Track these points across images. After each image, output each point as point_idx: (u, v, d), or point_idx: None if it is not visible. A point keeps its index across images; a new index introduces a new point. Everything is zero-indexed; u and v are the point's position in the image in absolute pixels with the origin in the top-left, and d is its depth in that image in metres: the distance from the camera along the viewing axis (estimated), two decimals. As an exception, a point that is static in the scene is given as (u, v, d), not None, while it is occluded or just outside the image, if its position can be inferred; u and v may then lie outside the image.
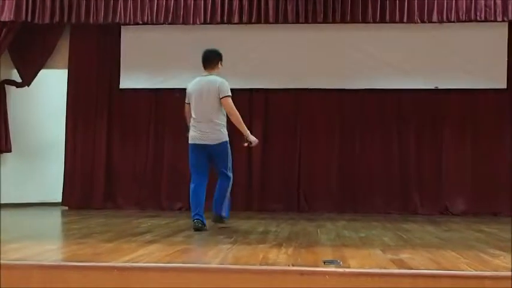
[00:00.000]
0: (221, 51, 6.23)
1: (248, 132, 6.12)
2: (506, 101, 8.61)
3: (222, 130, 6.03)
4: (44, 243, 4.76)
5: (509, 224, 7.02)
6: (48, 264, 3.72)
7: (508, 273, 3.54)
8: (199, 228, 5.85)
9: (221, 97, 5.95)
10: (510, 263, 3.92)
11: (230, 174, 6.18)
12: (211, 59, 6.13)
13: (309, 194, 8.87)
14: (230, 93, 5.99)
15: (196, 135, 6.05)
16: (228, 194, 6.20)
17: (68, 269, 3.65)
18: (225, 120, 6.09)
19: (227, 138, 6.09)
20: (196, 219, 5.92)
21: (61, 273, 3.59)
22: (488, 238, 5.58)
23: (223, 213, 6.20)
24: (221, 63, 6.20)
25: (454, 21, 7.98)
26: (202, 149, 6.06)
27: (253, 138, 6.14)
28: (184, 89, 8.72)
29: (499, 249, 4.65)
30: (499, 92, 8.57)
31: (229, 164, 6.17)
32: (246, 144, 6.20)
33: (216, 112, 6.00)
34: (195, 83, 6.15)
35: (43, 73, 9.09)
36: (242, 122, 6.05)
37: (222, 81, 6.02)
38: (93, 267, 3.66)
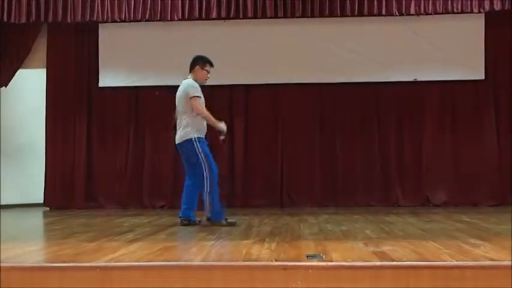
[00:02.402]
0: (209, 59, 6.35)
1: (217, 123, 6.20)
2: (485, 91, 8.69)
3: (187, 129, 6.14)
4: (25, 245, 4.70)
5: (490, 214, 7.10)
6: (28, 266, 3.68)
7: (489, 263, 3.58)
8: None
9: (190, 98, 6.13)
10: (490, 253, 3.96)
11: (205, 173, 6.09)
12: (192, 62, 6.33)
13: (291, 188, 8.89)
14: (196, 94, 6.14)
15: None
16: (206, 192, 6.09)
17: (49, 270, 3.62)
18: (195, 121, 6.15)
19: (192, 136, 6.11)
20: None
21: (42, 275, 3.56)
22: (469, 228, 5.62)
23: (208, 214, 6.13)
24: (199, 67, 6.29)
25: (431, 13, 8.06)
26: (179, 150, 6.31)
27: (222, 126, 6.22)
28: (164, 86, 8.73)
29: (480, 239, 4.69)
30: (477, 83, 8.65)
31: (200, 162, 6.10)
32: (222, 137, 6.28)
33: (186, 112, 6.16)
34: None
35: (21, 73, 9.00)
36: (211, 117, 6.18)
37: (189, 84, 6.20)
38: (74, 268, 3.63)
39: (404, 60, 8.66)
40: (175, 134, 6.32)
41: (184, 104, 6.16)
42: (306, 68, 8.71)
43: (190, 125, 6.14)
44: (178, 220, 6.21)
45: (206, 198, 6.06)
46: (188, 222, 6.13)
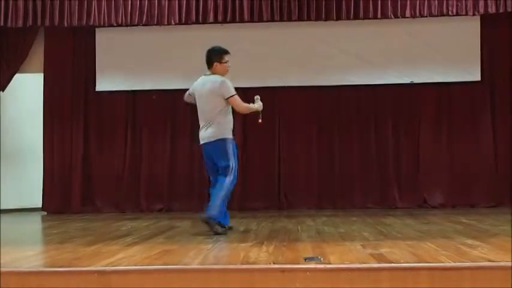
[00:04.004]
0: (222, 48, 6.00)
1: (255, 106, 6.01)
2: (481, 93, 8.71)
3: (221, 128, 5.81)
4: (23, 249, 4.71)
5: (487, 215, 7.11)
6: (27, 271, 3.68)
7: (487, 264, 3.59)
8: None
9: (227, 98, 5.80)
10: (488, 254, 3.97)
11: (230, 175, 5.77)
12: (207, 59, 5.95)
13: (289, 191, 8.89)
14: (234, 93, 5.85)
15: (200, 135, 5.91)
16: (222, 195, 5.68)
17: (47, 275, 3.62)
18: (230, 120, 5.91)
19: (227, 136, 5.81)
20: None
21: (40, 279, 3.56)
22: (467, 229, 5.63)
23: (213, 215, 5.59)
24: (218, 62, 5.90)
25: (426, 16, 8.09)
26: (205, 148, 5.90)
27: (257, 105, 6.04)
28: (160, 90, 8.74)
29: (477, 240, 4.70)
30: (473, 85, 8.66)
31: (230, 164, 5.78)
32: (260, 120, 6.04)
33: (219, 112, 5.82)
34: (199, 82, 5.99)
35: (18, 77, 9.00)
36: (250, 107, 6.00)
37: (222, 81, 5.82)
38: (72, 272, 3.63)
39: (400, 62, 8.68)
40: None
41: (215, 102, 5.80)
42: (302, 70, 8.72)
43: (223, 124, 5.82)
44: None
45: (217, 200, 5.65)
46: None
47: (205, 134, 5.84)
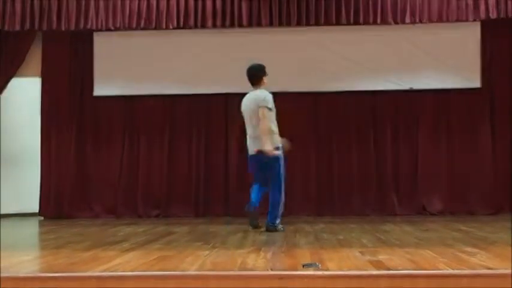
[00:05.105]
0: (259, 65, 6.52)
1: (277, 138, 6.39)
2: (480, 100, 8.70)
3: (275, 137, 6.34)
4: (19, 254, 4.69)
5: (486, 223, 7.10)
6: (23, 276, 3.66)
7: (485, 271, 3.57)
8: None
9: (259, 106, 6.25)
10: (486, 261, 3.95)
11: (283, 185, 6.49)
12: (257, 75, 6.43)
13: (287, 197, 8.83)
14: (268, 105, 6.26)
15: (249, 147, 6.49)
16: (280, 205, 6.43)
17: (44, 280, 3.60)
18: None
19: (280, 145, 6.38)
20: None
21: (37, 285, 3.54)
22: (466, 237, 5.62)
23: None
24: (265, 77, 6.46)
25: (426, 22, 8.10)
26: (255, 160, 6.45)
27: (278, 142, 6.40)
28: (158, 95, 8.72)
29: (476, 248, 4.69)
30: (473, 91, 8.66)
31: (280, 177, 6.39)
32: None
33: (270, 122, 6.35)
34: (245, 98, 6.52)
35: (15, 82, 8.98)
36: (271, 130, 6.32)
37: (261, 94, 6.32)
38: (69, 278, 3.61)
39: (400, 68, 8.67)
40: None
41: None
42: (301, 76, 8.70)
43: (274, 134, 6.33)
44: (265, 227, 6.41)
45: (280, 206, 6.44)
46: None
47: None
